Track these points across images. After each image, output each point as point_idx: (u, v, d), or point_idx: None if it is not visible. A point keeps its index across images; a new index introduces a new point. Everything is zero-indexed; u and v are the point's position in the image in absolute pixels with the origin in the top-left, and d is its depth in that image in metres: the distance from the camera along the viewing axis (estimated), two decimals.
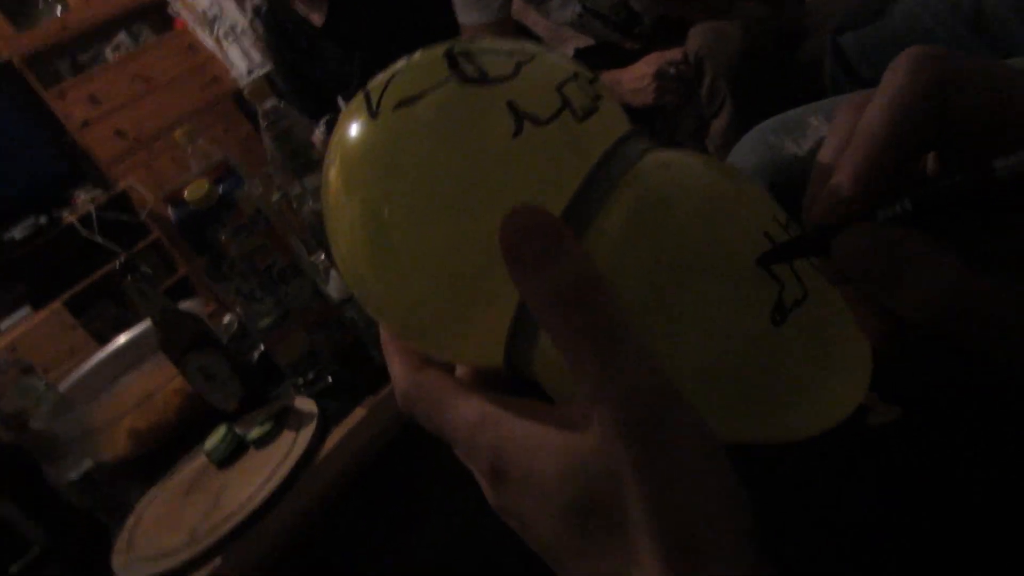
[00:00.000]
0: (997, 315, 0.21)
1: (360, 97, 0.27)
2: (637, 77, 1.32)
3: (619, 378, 0.21)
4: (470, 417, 0.26)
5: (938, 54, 0.22)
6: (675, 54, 1.26)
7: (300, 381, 0.89)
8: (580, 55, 1.63)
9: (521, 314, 0.25)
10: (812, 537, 0.31)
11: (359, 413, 0.77)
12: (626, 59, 1.37)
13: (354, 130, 0.27)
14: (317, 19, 1.77)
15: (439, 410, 0.28)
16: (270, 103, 0.87)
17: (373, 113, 0.26)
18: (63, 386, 1.09)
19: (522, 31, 1.66)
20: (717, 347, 0.24)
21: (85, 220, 3.19)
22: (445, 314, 0.27)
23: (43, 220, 3.17)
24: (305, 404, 0.83)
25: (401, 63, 0.28)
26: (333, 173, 0.28)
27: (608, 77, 1.39)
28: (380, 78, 0.27)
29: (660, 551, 0.21)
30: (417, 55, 0.28)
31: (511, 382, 0.29)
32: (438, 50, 0.27)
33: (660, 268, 0.24)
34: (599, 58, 1.52)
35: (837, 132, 0.26)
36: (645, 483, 0.21)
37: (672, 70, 1.27)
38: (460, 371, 0.31)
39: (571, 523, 0.23)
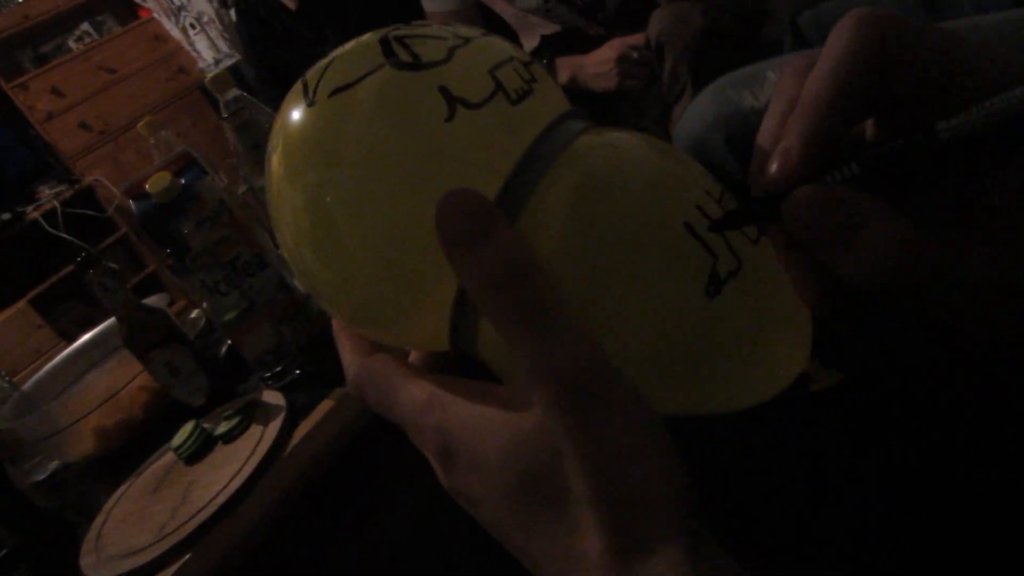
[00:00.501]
0: (947, 272, 0.21)
1: (299, 85, 0.27)
2: (600, 62, 1.32)
3: (554, 356, 0.22)
4: (417, 400, 0.27)
5: (883, 16, 0.23)
6: (637, 39, 1.26)
7: (267, 374, 0.88)
8: (546, 41, 1.63)
9: (462, 296, 0.25)
10: (756, 504, 0.32)
11: (327, 405, 0.77)
12: (591, 45, 1.37)
13: (293, 117, 0.27)
14: (291, 3, 1.76)
15: (388, 394, 0.28)
16: (232, 94, 0.86)
17: (310, 101, 0.26)
18: (27, 385, 1.08)
19: (489, 17, 1.65)
20: (653, 321, 0.24)
21: (50, 216, 3.13)
22: (391, 299, 0.27)
23: (6, 216, 3.10)
24: (273, 397, 0.82)
25: (339, 50, 0.28)
26: (275, 160, 0.28)
27: (571, 62, 1.39)
28: (318, 64, 0.28)
29: (601, 526, 0.22)
30: (354, 42, 0.28)
31: (461, 364, 0.30)
32: (374, 36, 0.27)
33: (595, 244, 0.24)
34: (564, 44, 1.51)
35: (781, 96, 0.26)
36: (583, 459, 0.22)
37: (635, 55, 1.27)
38: (413, 356, 0.32)
39: (517, 500, 0.24)
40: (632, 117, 1.44)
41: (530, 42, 1.78)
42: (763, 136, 0.26)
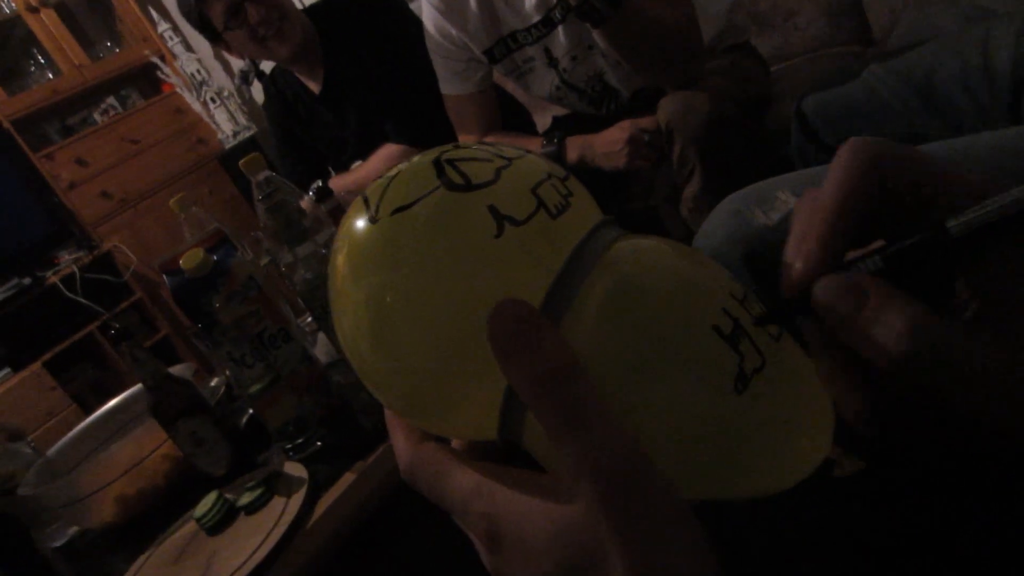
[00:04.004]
0: (961, 354, 0.23)
1: (360, 200, 0.31)
2: (610, 142, 1.37)
3: (595, 452, 0.24)
4: (466, 487, 0.29)
5: (873, 141, 0.27)
6: (648, 122, 1.32)
7: (289, 445, 0.90)
8: (558, 122, 1.70)
9: (510, 393, 0.27)
10: None
11: (348, 478, 0.78)
12: (602, 125, 1.42)
13: (358, 228, 0.30)
14: (315, 87, 1.84)
15: (438, 481, 0.30)
16: (263, 175, 0.91)
17: (373, 218, 0.29)
18: (51, 451, 1.09)
19: (504, 98, 1.72)
20: (686, 416, 0.27)
21: (67, 280, 3.19)
22: (442, 393, 0.29)
23: (26, 281, 3.16)
24: (295, 469, 0.84)
25: (396, 169, 0.31)
26: (341, 260, 0.30)
27: (581, 141, 1.44)
28: (378, 183, 0.31)
29: None
30: (410, 163, 0.31)
31: (504, 452, 0.32)
32: (428, 158, 0.31)
33: (630, 345, 0.27)
34: (575, 124, 1.58)
35: (799, 219, 0.29)
36: (623, 546, 0.24)
37: (645, 137, 1.32)
38: (456, 443, 0.34)
39: None
40: (643, 196, 1.49)
41: (543, 121, 1.85)
42: (788, 252, 0.29)
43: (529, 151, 0.33)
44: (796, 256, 0.28)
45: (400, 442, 0.33)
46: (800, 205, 0.30)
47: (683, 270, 0.30)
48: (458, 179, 0.29)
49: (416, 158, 0.32)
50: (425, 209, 0.28)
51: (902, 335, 0.23)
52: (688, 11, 1.28)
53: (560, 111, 1.69)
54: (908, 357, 0.23)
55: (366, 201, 0.30)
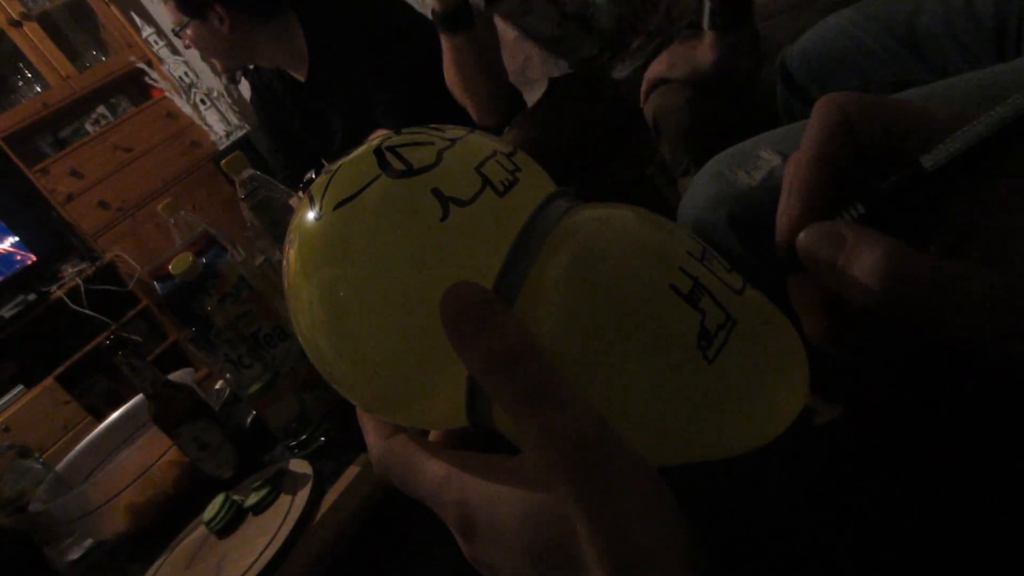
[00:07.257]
0: (950, 285, 0.23)
1: (306, 197, 0.30)
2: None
3: (556, 431, 0.23)
4: (437, 476, 0.28)
5: (842, 96, 0.27)
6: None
7: (293, 443, 0.90)
8: (554, 82, 1.65)
9: (473, 378, 0.27)
10: (760, 546, 0.32)
11: (352, 471, 0.78)
12: (601, 82, 1.38)
13: (305, 223, 0.29)
14: (301, 76, 1.82)
15: (409, 473, 0.30)
16: (247, 174, 0.90)
17: (318, 215, 0.29)
18: (60, 466, 1.10)
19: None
20: (652, 380, 0.26)
21: (73, 293, 3.20)
22: (406, 385, 0.28)
23: (32, 297, 3.17)
24: (300, 466, 0.84)
25: (339, 163, 0.31)
26: (292, 255, 0.30)
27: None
28: (321, 179, 0.30)
29: None
30: (352, 154, 0.30)
31: (483, 438, 0.31)
32: (370, 147, 0.30)
33: (590, 314, 0.26)
34: (572, 86, 1.53)
35: (785, 180, 0.30)
36: (591, 523, 0.23)
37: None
38: (433, 434, 0.33)
39: (533, 567, 0.25)
40: (638, 164, 1.46)
41: (532, 97, 1.81)
42: (778, 214, 0.29)
43: (474, 129, 0.32)
44: (782, 215, 0.28)
45: (371, 437, 0.32)
46: (787, 168, 0.30)
47: (636, 233, 0.29)
48: (400, 165, 0.28)
49: (359, 149, 0.31)
50: (368, 198, 0.28)
51: (876, 271, 0.23)
52: None
53: (557, 72, 1.65)
54: (885, 291, 0.23)
55: (311, 198, 0.30)
